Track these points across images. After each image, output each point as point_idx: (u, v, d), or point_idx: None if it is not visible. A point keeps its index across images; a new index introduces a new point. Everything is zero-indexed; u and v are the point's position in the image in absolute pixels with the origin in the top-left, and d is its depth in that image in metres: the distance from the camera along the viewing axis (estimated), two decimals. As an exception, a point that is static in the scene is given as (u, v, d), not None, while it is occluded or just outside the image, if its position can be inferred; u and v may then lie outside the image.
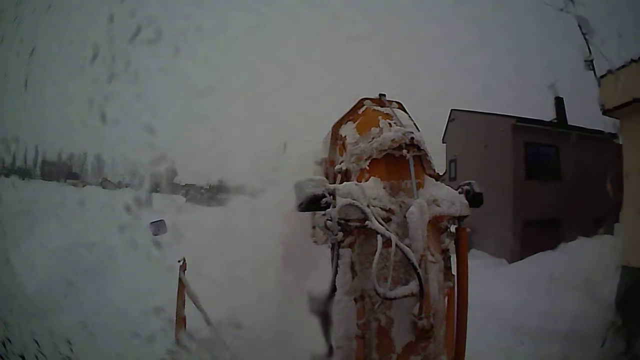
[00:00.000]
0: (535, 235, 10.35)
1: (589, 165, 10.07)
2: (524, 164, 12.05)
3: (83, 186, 16.66)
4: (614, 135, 9.01)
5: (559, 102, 12.34)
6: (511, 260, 10.68)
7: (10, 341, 2.40)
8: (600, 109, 7.25)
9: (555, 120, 12.41)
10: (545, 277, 7.26)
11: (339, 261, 1.50)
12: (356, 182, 1.61)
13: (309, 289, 1.64)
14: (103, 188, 16.55)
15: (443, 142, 15.21)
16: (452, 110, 14.94)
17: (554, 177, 11.82)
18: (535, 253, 9.59)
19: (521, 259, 10.12)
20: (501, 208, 11.12)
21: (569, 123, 12.22)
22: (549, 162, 12.07)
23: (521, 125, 12.02)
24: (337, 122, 1.96)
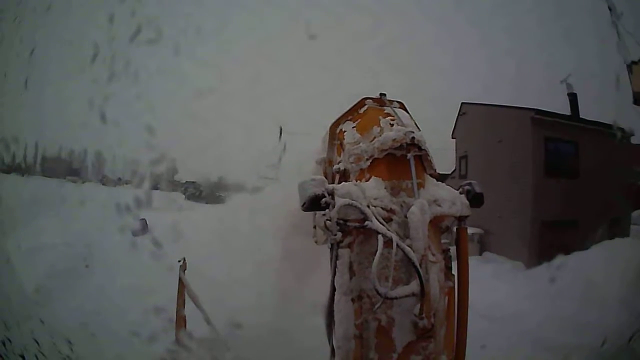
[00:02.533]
0: (555, 237, 9.63)
1: (607, 164, 9.57)
2: (543, 160, 11.04)
3: (83, 183, 16.70)
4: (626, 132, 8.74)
5: (573, 98, 11.58)
6: (529, 265, 9.74)
7: (10, 341, 2.40)
8: (633, 97, 6.91)
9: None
10: (567, 284, 6.74)
11: (338, 261, 1.51)
12: (355, 182, 1.61)
13: (313, 298, 1.65)
14: (103, 185, 16.57)
15: (452, 138, 14.30)
16: (462, 103, 13.96)
17: (573, 175, 10.87)
18: (555, 256, 8.53)
19: (539, 264, 9.16)
20: (519, 207, 10.58)
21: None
22: (568, 158, 11.12)
23: (540, 118, 11.00)
24: (335, 122, 1.96)
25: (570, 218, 10.26)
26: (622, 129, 8.53)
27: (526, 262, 9.93)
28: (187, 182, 18.15)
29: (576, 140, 11.10)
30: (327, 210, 1.46)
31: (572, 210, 10.21)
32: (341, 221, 1.47)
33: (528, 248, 10.35)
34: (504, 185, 10.59)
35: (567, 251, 8.20)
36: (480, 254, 11.29)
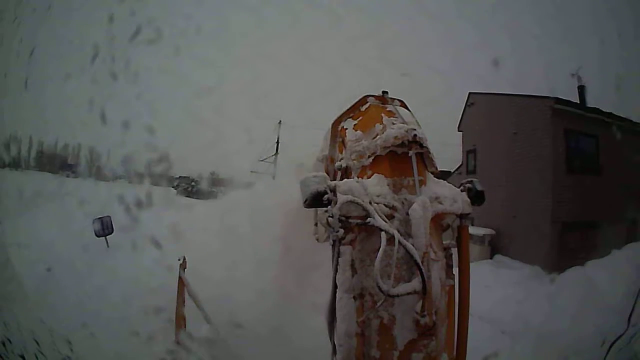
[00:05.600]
0: (577, 240, 8.83)
1: (630, 159, 8.35)
2: (564, 155, 9.95)
3: (76, 177, 16.68)
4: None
5: (582, 91, 10.78)
6: (549, 270, 8.53)
7: (10, 341, 2.39)
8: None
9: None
10: (593, 292, 5.98)
11: (340, 259, 1.50)
12: (357, 179, 1.61)
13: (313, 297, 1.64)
14: (97, 180, 16.51)
15: (459, 131, 13.22)
16: (470, 93, 12.81)
17: (594, 172, 9.85)
18: (578, 261, 7.67)
19: (560, 270, 7.96)
20: (537, 207, 9.78)
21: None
22: (589, 153, 10.09)
23: (561, 108, 9.84)
24: (337, 119, 1.96)
25: (593, 219, 9.27)
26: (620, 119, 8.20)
27: (545, 267, 8.86)
28: (180, 177, 18.11)
29: (598, 133, 10.02)
30: (329, 207, 1.46)
31: (596, 211, 9.19)
32: (343, 218, 1.47)
33: (548, 252, 9.29)
34: (519, 181, 10.01)
35: (592, 257, 7.44)
36: (492, 257, 10.37)
